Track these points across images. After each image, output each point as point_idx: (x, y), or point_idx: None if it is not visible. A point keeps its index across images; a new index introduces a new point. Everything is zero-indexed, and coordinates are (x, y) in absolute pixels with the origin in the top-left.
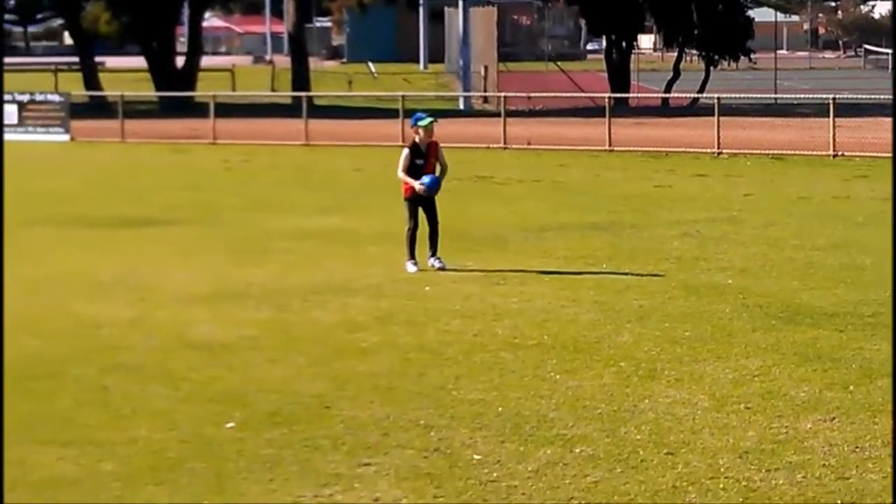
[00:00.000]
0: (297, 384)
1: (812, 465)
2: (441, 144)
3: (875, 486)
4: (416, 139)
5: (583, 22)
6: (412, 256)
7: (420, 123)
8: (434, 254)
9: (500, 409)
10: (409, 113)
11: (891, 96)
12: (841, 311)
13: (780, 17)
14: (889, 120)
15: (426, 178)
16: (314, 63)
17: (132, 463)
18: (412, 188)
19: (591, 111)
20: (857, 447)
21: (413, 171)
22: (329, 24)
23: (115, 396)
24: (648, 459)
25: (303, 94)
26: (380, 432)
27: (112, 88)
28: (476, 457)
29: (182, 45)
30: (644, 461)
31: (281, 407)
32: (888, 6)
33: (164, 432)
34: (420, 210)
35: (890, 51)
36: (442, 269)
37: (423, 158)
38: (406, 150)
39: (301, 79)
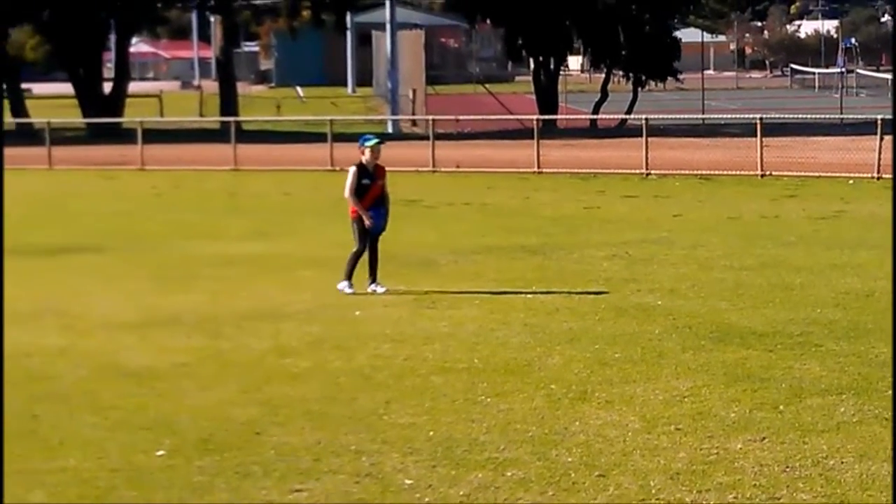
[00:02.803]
0: (229, 411)
1: (743, 486)
2: None
3: None
4: (363, 159)
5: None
6: (349, 278)
7: (367, 144)
8: (374, 279)
9: (431, 433)
10: (337, 137)
11: (816, 115)
12: (770, 331)
13: (707, 37)
14: (818, 139)
15: (375, 219)
16: (242, 88)
17: (62, 493)
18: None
19: (520, 133)
20: (787, 467)
21: (359, 190)
22: (257, 49)
23: (44, 426)
24: (580, 482)
25: (231, 119)
26: (311, 458)
27: (39, 115)
28: (407, 482)
29: (109, 70)
30: (575, 483)
31: (212, 434)
32: (814, 25)
33: (93, 461)
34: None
35: (816, 70)
36: (384, 292)
37: (370, 179)
38: (353, 168)
39: (229, 104)
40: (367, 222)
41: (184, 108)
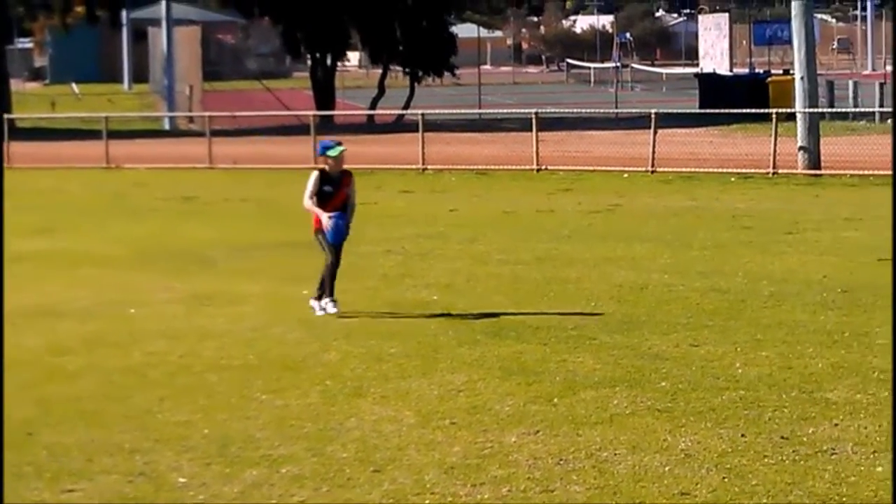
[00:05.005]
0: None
1: (517, 479)
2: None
3: (579, 497)
4: (326, 167)
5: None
6: (331, 293)
7: (329, 154)
8: (324, 295)
9: (205, 430)
10: (112, 134)
11: (592, 110)
12: (545, 325)
13: (484, 32)
14: (593, 133)
15: (334, 219)
16: (16, 85)
17: None
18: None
19: (297, 129)
20: (561, 460)
21: (321, 198)
22: (31, 45)
23: None
24: (355, 477)
25: (4, 116)
26: (84, 458)
27: None
28: (181, 480)
29: None
30: (350, 479)
31: None
32: (590, 20)
33: None
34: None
35: (592, 65)
36: (331, 311)
37: (334, 186)
38: (315, 174)
39: (2, 100)
40: (324, 223)
41: None
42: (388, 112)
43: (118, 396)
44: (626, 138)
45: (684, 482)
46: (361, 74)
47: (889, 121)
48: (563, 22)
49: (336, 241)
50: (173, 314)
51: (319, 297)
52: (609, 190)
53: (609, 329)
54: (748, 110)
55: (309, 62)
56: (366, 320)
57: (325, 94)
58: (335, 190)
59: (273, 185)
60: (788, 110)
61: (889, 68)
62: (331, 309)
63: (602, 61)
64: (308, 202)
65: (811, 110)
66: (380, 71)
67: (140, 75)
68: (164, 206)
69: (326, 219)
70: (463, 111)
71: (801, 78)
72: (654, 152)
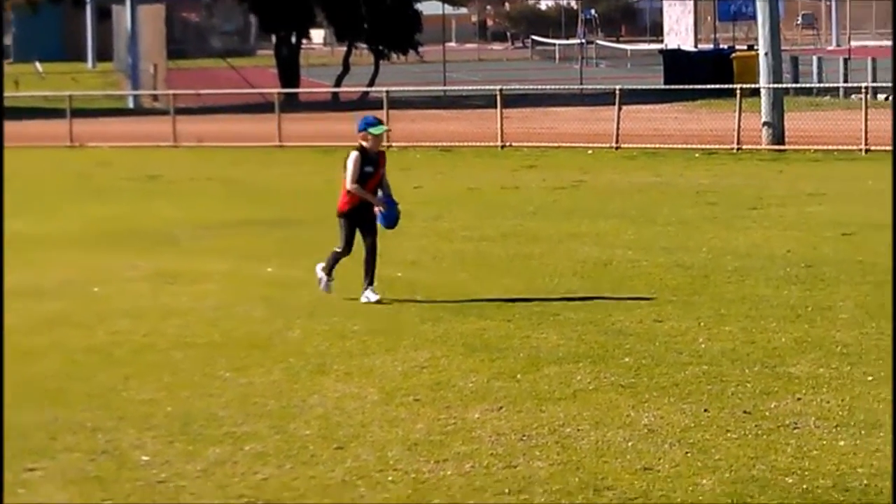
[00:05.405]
0: None
1: (480, 455)
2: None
3: (542, 473)
4: (365, 144)
5: (253, 18)
6: (329, 273)
7: (372, 131)
8: (371, 283)
9: (169, 408)
10: (76, 112)
11: (557, 86)
12: (509, 301)
13: (449, 9)
14: (558, 109)
15: (387, 210)
16: None
17: None
18: (351, 202)
19: (262, 107)
20: (524, 435)
21: (361, 179)
22: None
23: None
24: (318, 454)
25: None
26: (46, 436)
27: None
28: (144, 458)
29: None
30: (314, 456)
31: None
32: None
33: None
34: (357, 231)
35: (557, 41)
36: (378, 302)
37: (374, 166)
38: (355, 153)
39: None
40: (378, 208)
41: None
42: (352, 90)
43: (82, 375)
44: (591, 115)
45: (647, 457)
46: (326, 52)
47: (853, 96)
48: None
49: (389, 228)
50: (138, 293)
51: (369, 283)
52: (573, 166)
53: (573, 305)
54: (712, 86)
55: (274, 40)
56: (330, 297)
57: (289, 71)
58: (375, 170)
59: (238, 163)
60: (753, 86)
61: (854, 44)
62: (324, 287)
63: (567, 38)
64: (355, 187)
65: (775, 86)
66: (344, 48)
67: (104, 53)
68: (129, 185)
69: (384, 206)
70: (428, 88)
71: (766, 54)
72: (618, 128)
